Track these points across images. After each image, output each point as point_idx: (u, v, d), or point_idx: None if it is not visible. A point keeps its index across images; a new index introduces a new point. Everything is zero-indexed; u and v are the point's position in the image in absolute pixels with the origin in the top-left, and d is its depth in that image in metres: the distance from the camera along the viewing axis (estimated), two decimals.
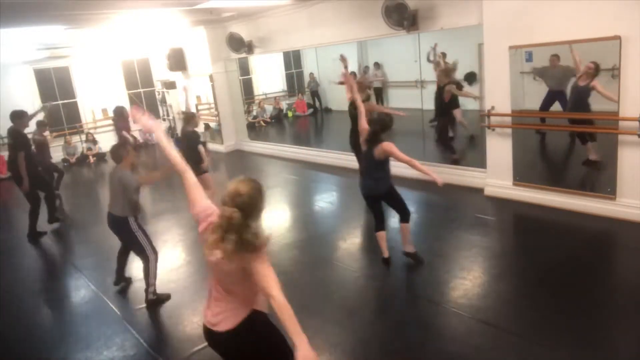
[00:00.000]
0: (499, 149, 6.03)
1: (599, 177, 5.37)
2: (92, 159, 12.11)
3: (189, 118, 6.53)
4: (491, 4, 5.60)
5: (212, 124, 12.05)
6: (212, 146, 12.01)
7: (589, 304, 3.71)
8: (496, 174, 6.13)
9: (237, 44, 9.94)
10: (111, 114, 13.02)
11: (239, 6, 8.25)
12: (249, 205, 2.12)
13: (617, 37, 4.63)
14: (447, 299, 4.01)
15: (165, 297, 4.47)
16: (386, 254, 4.65)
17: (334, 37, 8.23)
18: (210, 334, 2.37)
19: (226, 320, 2.31)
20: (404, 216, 4.58)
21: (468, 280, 4.24)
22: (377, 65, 14.16)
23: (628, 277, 4.17)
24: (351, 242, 5.43)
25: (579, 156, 5.86)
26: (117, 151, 4.36)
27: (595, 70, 5.08)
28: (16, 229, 7.25)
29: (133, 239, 4.36)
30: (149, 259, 4.36)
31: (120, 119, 8.97)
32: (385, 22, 6.68)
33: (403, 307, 3.96)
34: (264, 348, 2.41)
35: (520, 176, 5.92)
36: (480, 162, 6.58)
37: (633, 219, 4.93)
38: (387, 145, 4.31)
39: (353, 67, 14.41)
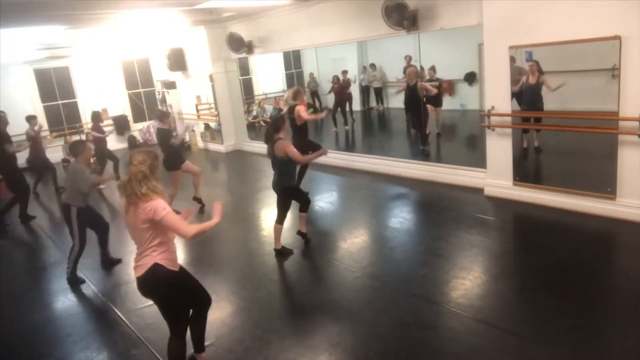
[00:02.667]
0: (499, 149, 6.03)
1: (598, 177, 5.38)
2: (92, 159, 12.11)
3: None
4: (491, 4, 5.60)
5: (212, 124, 12.06)
6: (212, 146, 12.04)
7: (588, 303, 3.71)
8: (496, 174, 6.13)
9: (237, 44, 9.94)
10: (111, 114, 13.09)
11: (239, 6, 8.25)
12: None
13: (617, 37, 4.63)
14: (447, 299, 4.01)
15: (80, 281, 5.07)
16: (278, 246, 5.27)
17: (334, 37, 8.23)
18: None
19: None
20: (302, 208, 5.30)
21: (468, 280, 4.24)
22: (373, 66, 14.19)
23: (628, 277, 4.17)
24: (351, 242, 5.43)
25: (579, 156, 5.87)
26: (76, 147, 5.04)
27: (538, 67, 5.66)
28: (15, 229, 7.25)
29: (70, 225, 4.99)
30: (74, 247, 5.02)
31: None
32: (385, 22, 6.68)
33: (403, 307, 3.95)
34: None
35: (520, 176, 5.93)
36: (480, 162, 6.58)
37: (633, 219, 4.93)
38: (282, 144, 4.85)
39: (353, 67, 14.46)
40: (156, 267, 2.90)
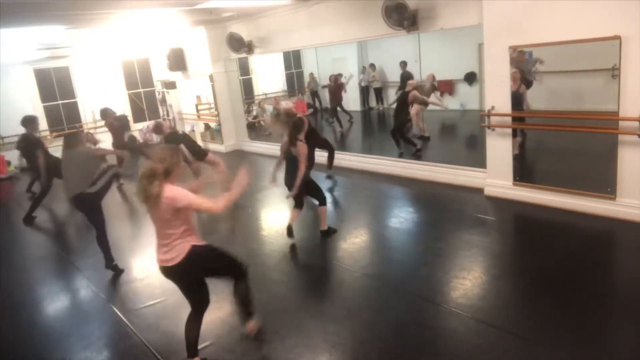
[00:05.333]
0: (499, 149, 6.03)
1: (598, 177, 5.38)
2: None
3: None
4: (491, 4, 5.60)
5: (212, 124, 12.05)
6: (212, 146, 12.04)
7: (589, 303, 3.71)
8: (496, 174, 6.13)
9: (237, 44, 9.93)
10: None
11: (239, 6, 8.25)
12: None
13: (617, 37, 4.63)
14: (447, 299, 4.01)
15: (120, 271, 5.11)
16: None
17: (334, 37, 8.23)
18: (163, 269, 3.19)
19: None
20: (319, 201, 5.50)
21: (468, 280, 4.24)
22: (373, 66, 14.20)
23: (628, 277, 4.17)
24: (351, 242, 5.43)
25: (579, 156, 5.86)
26: (71, 138, 5.07)
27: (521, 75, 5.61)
28: (16, 229, 7.25)
29: (93, 214, 5.00)
30: (103, 234, 5.03)
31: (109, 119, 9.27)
32: (385, 22, 6.68)
33: (403, 307, 3.95)
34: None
35: (520, 176, 5.93)
36: (480, 162, 6.58)
37: (633, 219, 4.93)
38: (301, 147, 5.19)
39: (353, 67, 14.47)
40: (194, 248, 3.09)
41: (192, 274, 3.19)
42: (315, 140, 7.12)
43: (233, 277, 3.42)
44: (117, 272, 5.09)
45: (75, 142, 5.03)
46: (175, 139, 6.78)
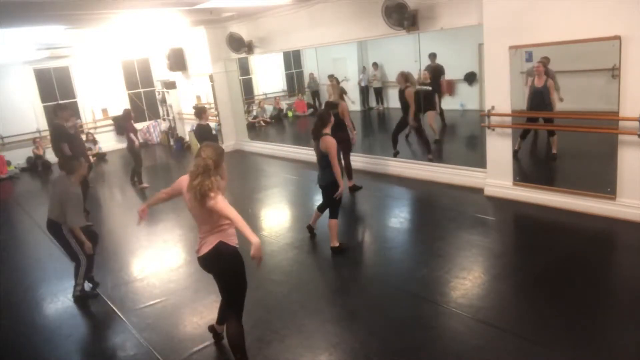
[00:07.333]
0: (499, 149, 6.03)
1: (598, 177, 5.38)
2: (92, 159, 12.10)
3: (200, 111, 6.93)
4: (491, 4, 5.60)
5: (213, 124, 12.05)
6: None
7: (588, 303, 3.71)
8: (496, 174, 6.13)
9: (237, 44, 9.94)
10: (111, 114, 13.09)
11: (239, 6, 8.25)
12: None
13: (617, 37, 4.63)
14: (447, 299, 4.01)
15: (91, 295, 4.73)
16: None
17: (334, 37, 8.23)
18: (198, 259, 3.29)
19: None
20: (330, 213, 5.08)
21: (468, 280, 4.24)
22: (376, 65, 14.19)
23: (628, 277, 4.17)
24: (351, 242, 5.42)
25: (579, 156, 5.87)
26: (70, 164, 4.62)
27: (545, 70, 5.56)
28: (16, 229, 7.25)
29: (66, 244, 4.58)
30: (81, 263, 4.60)
31: (126, 120, 9.05)
32: (385, 22, 6.68)
33: (403, 307, 3.96)
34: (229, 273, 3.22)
35: (520, 176, 5.93)
36: (480, 162, 6.58)
37: (633, 219, 4.93)
38: (328, 141, 4.84)
39: (353, 67, 14.46)
40: (221, 244, 3.15)
41: (215, 266, 3.22)
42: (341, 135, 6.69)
43: (229, 305, 3.28)
44: (86, 296, 4.70)
45: (71, 170, 4.56)
46: (206, 132, 6.70)
